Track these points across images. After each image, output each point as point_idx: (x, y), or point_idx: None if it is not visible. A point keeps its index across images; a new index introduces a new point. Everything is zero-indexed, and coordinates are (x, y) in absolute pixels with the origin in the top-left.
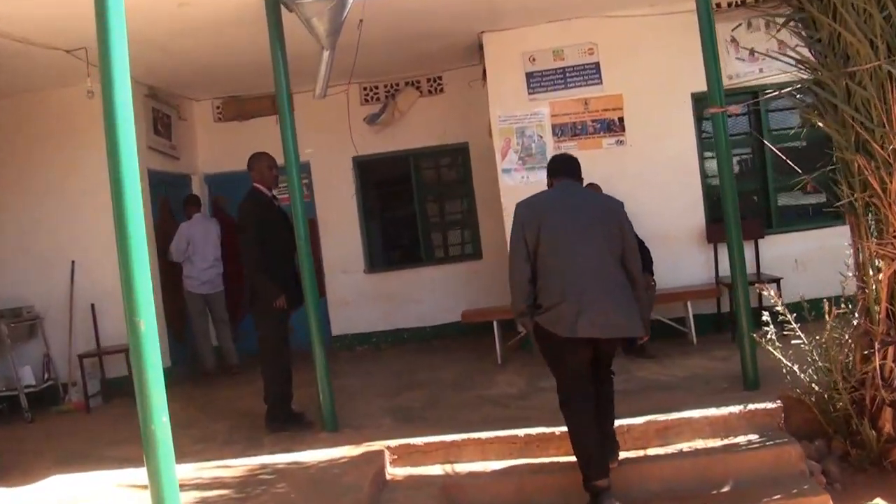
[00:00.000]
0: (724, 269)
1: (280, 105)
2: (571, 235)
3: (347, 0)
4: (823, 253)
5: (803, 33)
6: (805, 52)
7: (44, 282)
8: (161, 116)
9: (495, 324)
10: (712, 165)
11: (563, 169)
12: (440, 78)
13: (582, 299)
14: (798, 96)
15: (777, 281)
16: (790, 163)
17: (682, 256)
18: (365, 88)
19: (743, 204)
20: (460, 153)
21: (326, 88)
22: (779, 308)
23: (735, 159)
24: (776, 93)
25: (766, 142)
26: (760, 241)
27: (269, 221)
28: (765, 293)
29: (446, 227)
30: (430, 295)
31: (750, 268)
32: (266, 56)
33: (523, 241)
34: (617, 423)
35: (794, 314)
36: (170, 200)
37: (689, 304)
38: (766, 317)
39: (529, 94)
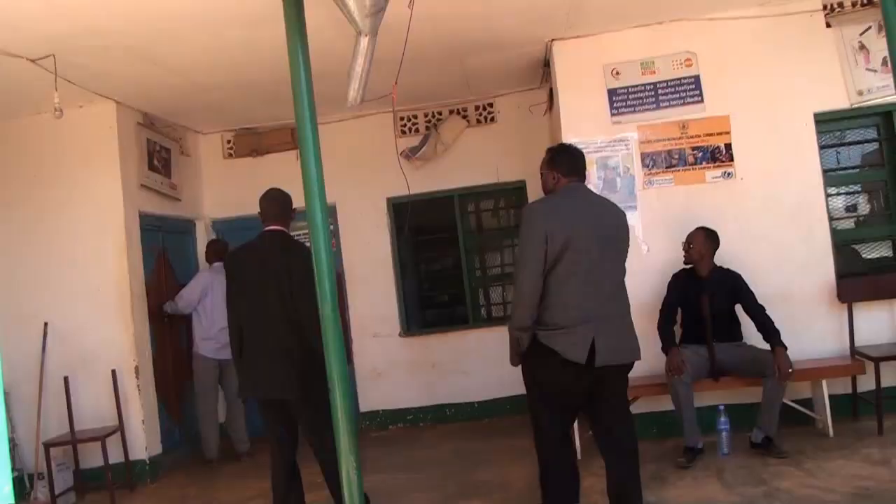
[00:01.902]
0: (863, 336)
1: (299, 122)
2: (595, 252)
3: None
4: None
5: None
6: None
7: (11, 347)
8: (158, 150)
9: None
10: (838, 204)
11: (578, 166)
12: (491, 105)
13: (601, 323)
14: None
15: None
16: None
17: (806, 321)
18: (402, 118)
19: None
20: (515, 193)
21: (363, 91)
22: None
23: (862, 197)
24: None
25: None
26: None
27: None
28: None
29: (498, 282)
30: (478, 364)
31: (890, 335)
32: (285, 76)
33: (542, 254)
34: None
35: None
36: (167, 251)
37: (823, 383)
38: None
39: (612, 115)
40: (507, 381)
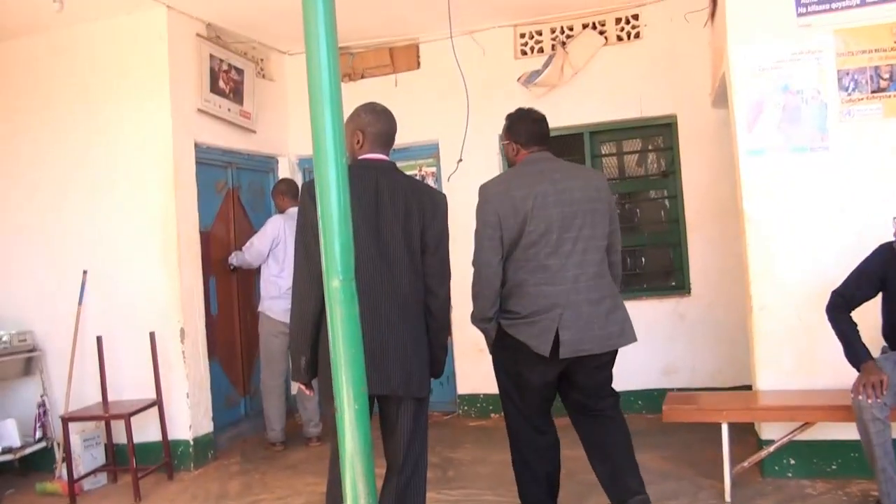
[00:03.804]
0: None
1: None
2: (561, 230)
3: None
4: None
5: None
6: None
7: (47, 297)
8: (226, 70)
9: (725, 429)
10: None
11: (538, 133)
12: (635, 17)
13: (570, 310)
14: None
15: None
16: None
17: None
18: (522, 34)
19: None
20: (663, 131)
21: None
22: None
23: None
24: None
25: None
26: None
27: None
28: None
29: (635, 244)
30: None
31: None
32: None
33: (497, 238)
34: None
35: None
36: (239, 192)
37: None
38: None
39: (800, 15)
40: (642, 369)
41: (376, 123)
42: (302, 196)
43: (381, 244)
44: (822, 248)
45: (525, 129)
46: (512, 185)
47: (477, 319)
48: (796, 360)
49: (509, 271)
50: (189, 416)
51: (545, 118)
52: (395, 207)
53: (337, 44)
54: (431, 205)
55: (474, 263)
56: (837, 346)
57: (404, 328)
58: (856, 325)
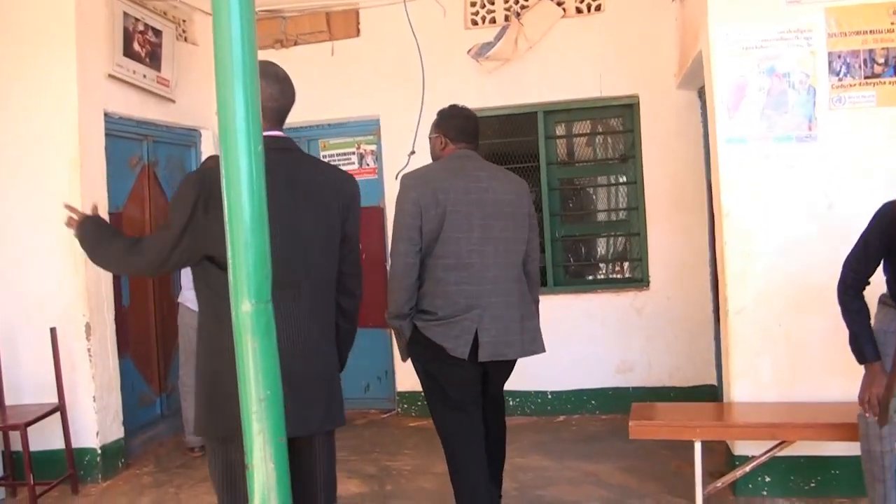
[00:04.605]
0: None
1: None
2: (483, 230)
3: None
4: None
5: None
6: None
7: None
8: (142, 31)
9: (698, 447)
10: None
11: (468, 130)
12: None
13: (487, 313)
14: None
15: None
16: None
17: None
18: (473, 3)
19: None
20: (624, 113)
21: None
22: None
23: None
24: None
25: None
26: None
27: None
28: None
29: (590, 232)
30: (556, 341)
31: None
32: None
33: (416, 231)
34: None
35: None
36: (156, 168)
37: None
38: None
39: None
40: (598, 367)
41: (280, 97)
42: (189, 188)
43: (297, 245)
44: (807, 247)
45: (456, 124)
46: (436, 178)
47: (392, 316)
48: (775, 370)
49: (428, 268)
50: (96, 422)
51: (477, 118)
52: (311, 198)
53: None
54: (349, 190)
55: (391, 255)
56: (821, 356)
57: (325, 346)
58: (868, 311)
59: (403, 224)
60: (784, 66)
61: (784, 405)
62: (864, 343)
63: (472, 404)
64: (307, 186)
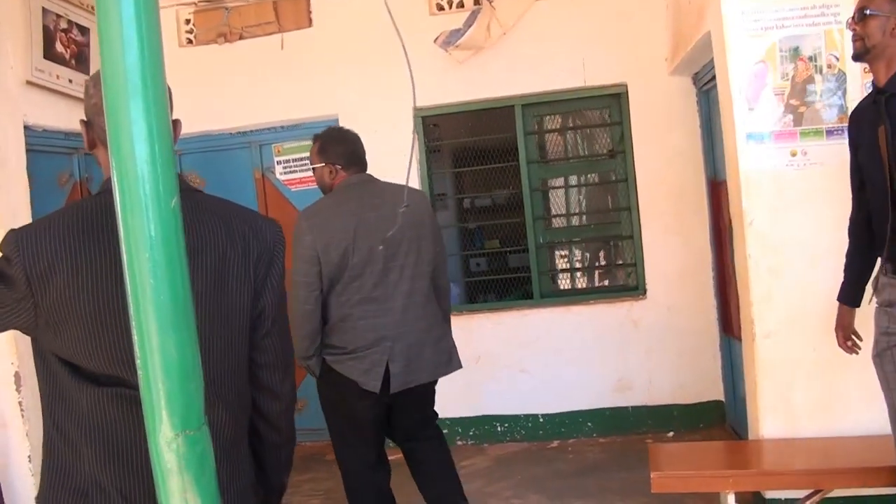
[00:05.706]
0: None
1: None
2: (386, 259)
3: None
4: None
5: None
6: None
7: None
8: (64, 29)
9: (731, 500)
10: None
11: (357, 154)
12: None
13: (396, 343)
14: None
15: None
16: None
17: None
18: None
19: None
20: (611, 104)
21: None
22: None
23: None
24: None
25: None
26: None
27: None
28: None
29: (578, 237)
30: (545, 359)
31: None
32: None
33: (316, 275)
34: None
35: None
36: (90, 183)
37: None
38: None
39: None
40: (589, 386)
41: None
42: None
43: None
44: (842, 259)
45: (345, 150)
46: (331, 215)
47: (300, 357)
48: (809, 401)
49: (333, 306)
50: (33, 487)
51: (359, 138)
52: (212, 266)
53: None
54: (267, 246)
55: (291, 299)
56: (859, 382)
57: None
58: (865, 252)
59: (301, 270)
60: (809, 47)
61: (821, 442)
62: (843, 283)
63: (378, 435)
64: (206, 249)
